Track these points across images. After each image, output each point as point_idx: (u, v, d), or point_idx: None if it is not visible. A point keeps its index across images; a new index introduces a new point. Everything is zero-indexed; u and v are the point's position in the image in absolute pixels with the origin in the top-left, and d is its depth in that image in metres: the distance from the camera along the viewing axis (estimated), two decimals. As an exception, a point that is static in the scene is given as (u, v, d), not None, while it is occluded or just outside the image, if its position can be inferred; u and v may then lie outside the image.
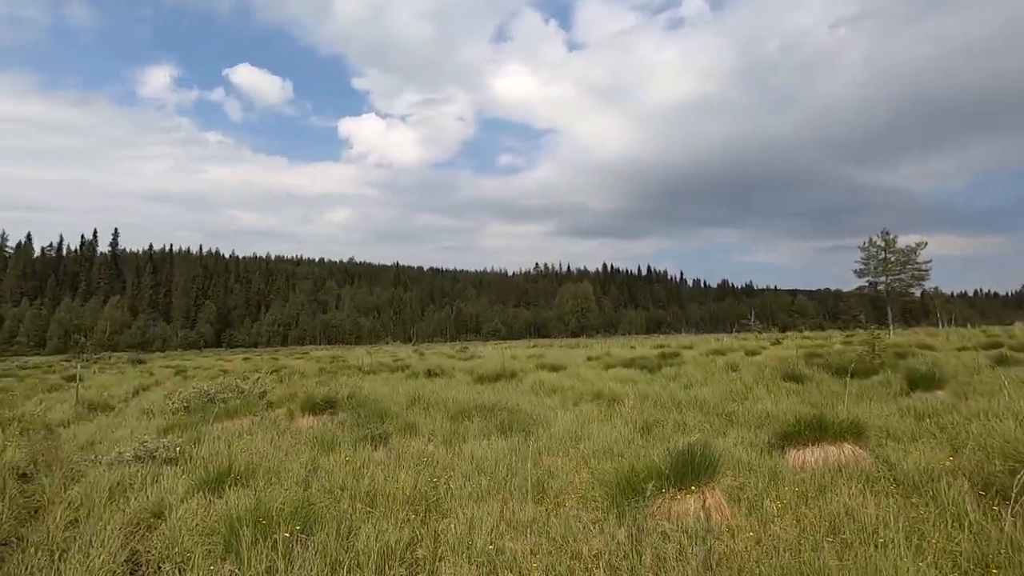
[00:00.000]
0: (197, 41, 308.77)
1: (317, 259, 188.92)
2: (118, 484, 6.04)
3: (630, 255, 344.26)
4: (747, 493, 4.76)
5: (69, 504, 5.51)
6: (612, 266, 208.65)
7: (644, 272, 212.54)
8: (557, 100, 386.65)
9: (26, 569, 3.94)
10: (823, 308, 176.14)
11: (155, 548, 4.26)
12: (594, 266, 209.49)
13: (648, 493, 3.99)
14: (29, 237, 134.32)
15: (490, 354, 34.53)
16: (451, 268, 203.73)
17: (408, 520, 4.30)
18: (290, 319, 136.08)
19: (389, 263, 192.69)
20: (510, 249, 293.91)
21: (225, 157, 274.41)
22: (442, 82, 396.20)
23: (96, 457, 7.67)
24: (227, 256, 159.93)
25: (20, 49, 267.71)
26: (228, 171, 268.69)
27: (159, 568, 3.90)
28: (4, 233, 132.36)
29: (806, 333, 51.15)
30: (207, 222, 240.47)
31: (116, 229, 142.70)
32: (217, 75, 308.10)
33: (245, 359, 44.26)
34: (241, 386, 11.86)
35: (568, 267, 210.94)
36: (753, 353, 22.12)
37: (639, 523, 3.73)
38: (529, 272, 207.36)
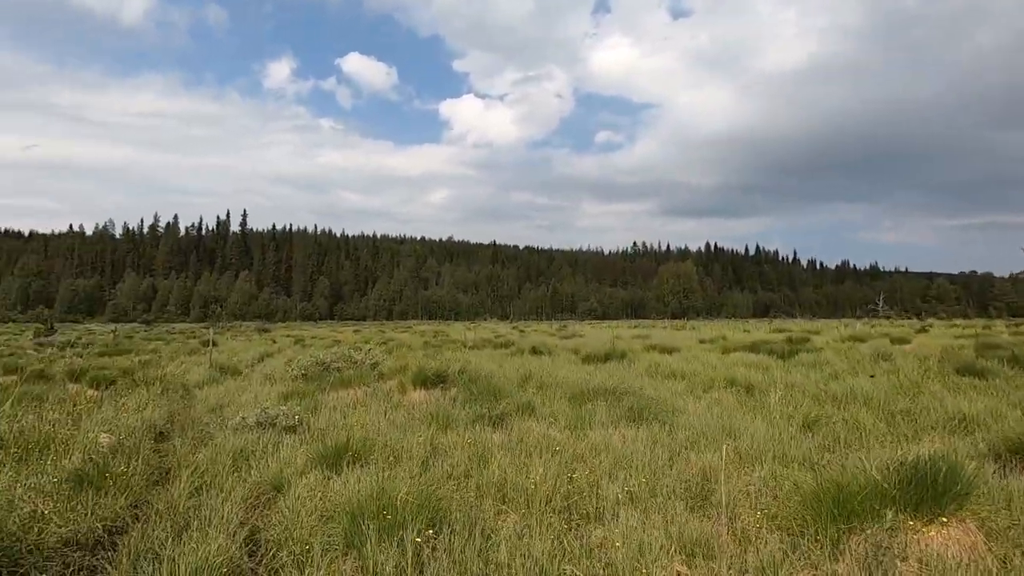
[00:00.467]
0: (312, 32, 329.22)
1: (419, 237, 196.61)
2: (241, 451, 5.94)
3: (735, 234, 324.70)
4: (995, 523, 3.51)
5: (195, 469, 5.43)
6: (716, 245, 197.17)
7: (751, 252, 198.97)
8: (659, 72, 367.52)
9: (145, 542, 3.71)
10: (967, 293, 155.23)
11: (273, 530, 3.90)
12: (696, 245, 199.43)
13: (888, 522, 2.93)
14: (176, 218, 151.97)
15: (591, 333, 33.54)
16: (547, 247, 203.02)
17: (551, 525, 3.58)
18: (394, 295, 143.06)
19: (486, 242, 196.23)
20: (606, 228, 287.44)
21: (337, 142, 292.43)
22: (541, 59, 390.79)
23: (223, 420, 7.80)
24: (338, 235, 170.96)
25: (169, 51, 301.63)
26: (339, 155, 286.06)
27: (275, 556, 3.49)
28: (156, 215, 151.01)
29: (955, 321, 44.73)
30: (321, 203, 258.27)
31: (245, 210, 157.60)
32: (330, 64, 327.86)
33: (355, 331, 46.76)
34: (354, 356, 11.92)
35: (668, 246, 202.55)
36: (901, 341, 19.29)
37: (876, 562, 2.71)
38: (626, 251, 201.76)
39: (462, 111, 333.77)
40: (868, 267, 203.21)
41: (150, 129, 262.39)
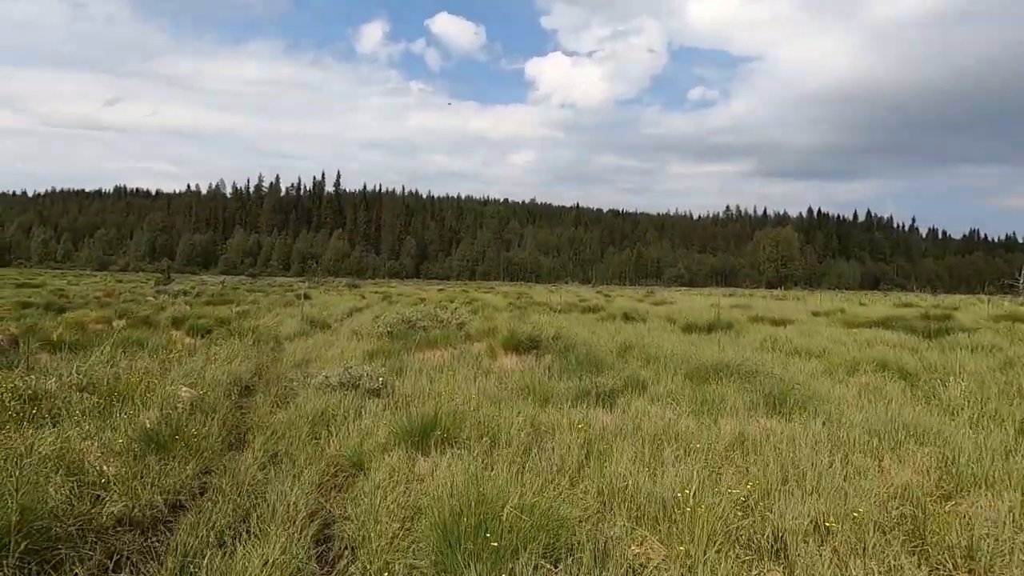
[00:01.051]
0: None
1: (502, 199, 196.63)
2: (321, 415, 5.38)
3: (842, 199, 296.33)
4: None
5: (272, 433, 4.90)
6: (819, 210, 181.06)
7: (861, 218, 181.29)
8: (762, 21, 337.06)
9: (208, 522, 3.09)
10: None
11: (348, 525, 3.17)
12: (796, 210, 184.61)
13: None
14: (277, 179, 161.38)
15: (682, 300, 31.49)
16: (631, 211, 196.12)
17: (711, 562, 2.54)
18: (477, 255, 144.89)
19: (568, 204, 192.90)
20: (695, 191, 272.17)
21: (425, 104, 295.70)
22: (631, 12, 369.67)
23: (307, 377, 7.38)
24: (424, 196, 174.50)
25: (272, 18, 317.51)
26: (427, 117, 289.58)
27: (347, 570, 2.72)
28: (260, 176, 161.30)
29: None
30: (409, 165, 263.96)
31: (338, 172, 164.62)
32: (420, 26, 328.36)
33: (439, 289, 47.40)
34: (440, 315, 11.34)
35: (764, 211, 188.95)
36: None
37: None
38: (717, 216, 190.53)
39: (548, 70, 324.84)
40: (1003, 238, 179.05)
41: (255, 96, 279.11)
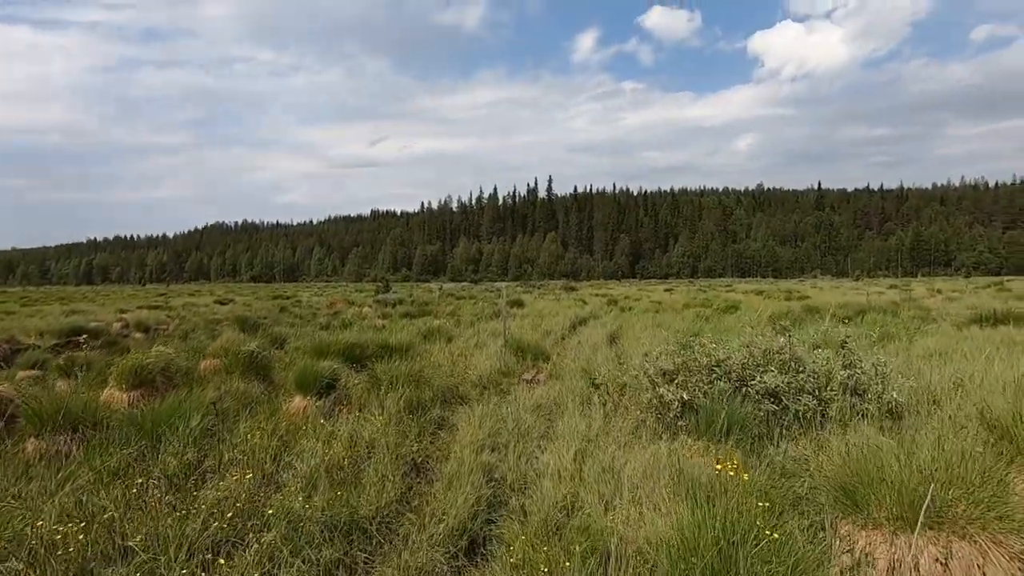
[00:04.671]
0: None
1: (721, 189, 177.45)
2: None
3: None
4: None
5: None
6: None
7: None
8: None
9: None
10: None
11: None
12: None
13: None
14: (495, 189, 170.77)
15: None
16: (891, 187, 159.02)
17: None
18: (699, 250, 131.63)
19: (802, 188, 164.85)
20: (983, 155, 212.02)
21: (638, 102, 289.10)
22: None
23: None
24: (636, 193, 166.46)
25: (498, 47, 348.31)
26: (640, 115, 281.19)
27: None
28: (481, 188, 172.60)
29: None
30: (623, 165, 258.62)
31: (550, 177, 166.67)
32: (631, 25, 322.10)
33: (667, 289, 40.17)
34: (781, 352, 4.94)
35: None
36: None
37: None
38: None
39: (775, 42, 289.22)
40: None
41: (484, 119, 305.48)
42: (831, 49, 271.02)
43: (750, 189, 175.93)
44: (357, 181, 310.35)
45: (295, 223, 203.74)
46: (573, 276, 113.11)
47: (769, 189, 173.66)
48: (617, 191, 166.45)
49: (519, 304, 20.76)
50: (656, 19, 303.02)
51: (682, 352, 5.46)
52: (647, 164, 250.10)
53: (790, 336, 4.74)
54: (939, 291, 23.51)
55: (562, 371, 7.73)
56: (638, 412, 4.67)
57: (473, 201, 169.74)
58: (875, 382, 4.26)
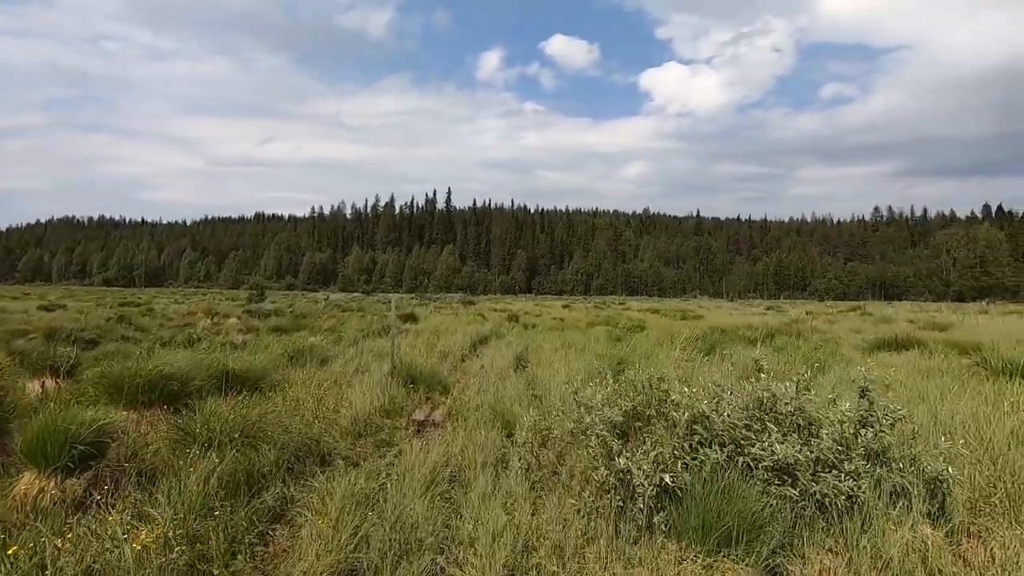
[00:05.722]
0: (522, 21, 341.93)
1: (612, 211, 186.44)
2: None
3: (1017, 195, 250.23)
4: None
5: None
6: (1001, 208, 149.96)
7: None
8: (911, 6, 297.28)
9: None
10: None
11: None
12: (963, 211, 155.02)
13: None
14: (392, 198, 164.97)
15: (973, 322, 21.22)
16: (756, 218, 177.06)
17: None
18: (592, 268, 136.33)
19: (683, 215, 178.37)
20: (828, 196, 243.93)
21: (539, 123, 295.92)
22: (756, 13, 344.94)
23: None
24: (533, 210, 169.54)
25: (405, 55, 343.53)
26: (540, 136, 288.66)
27: None
28: (378, 196, 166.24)
29: None
30: (523, 183, 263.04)
31: (449, 189, 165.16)
32: (535, 49, 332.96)
33: (565, 306, 39.97)
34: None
35: (924, 212, 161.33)
36: None
37: None
38: (861, 219, 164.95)
39: (663, 80, 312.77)
40: None
41: (385, 127, 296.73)
42: (710, 92, 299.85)
43: (638, 213, 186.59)
44: (242, 181, 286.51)
45: (165, 222, 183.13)
46: (470, 290, 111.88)
47: (655, 214, 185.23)
48: (516, 207, 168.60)
49: (413, 319, 18.76)
50: (558, 47, 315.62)
51: (626, 389, 4.02)
52: (545, 183, 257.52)
53: (799, 383, 3.45)
54: (813, 314, 24.98)
55: (464, 408, 6.05)
56: (586, 494, 3.13)
57: (369, 209, 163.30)
58: (904, 443, 3.11)
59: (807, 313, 26.73)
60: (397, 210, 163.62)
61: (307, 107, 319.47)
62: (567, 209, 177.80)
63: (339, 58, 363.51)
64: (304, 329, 13.89)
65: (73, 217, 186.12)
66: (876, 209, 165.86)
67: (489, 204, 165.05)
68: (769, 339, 11.55)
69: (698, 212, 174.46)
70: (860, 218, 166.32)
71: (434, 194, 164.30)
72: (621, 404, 3.76)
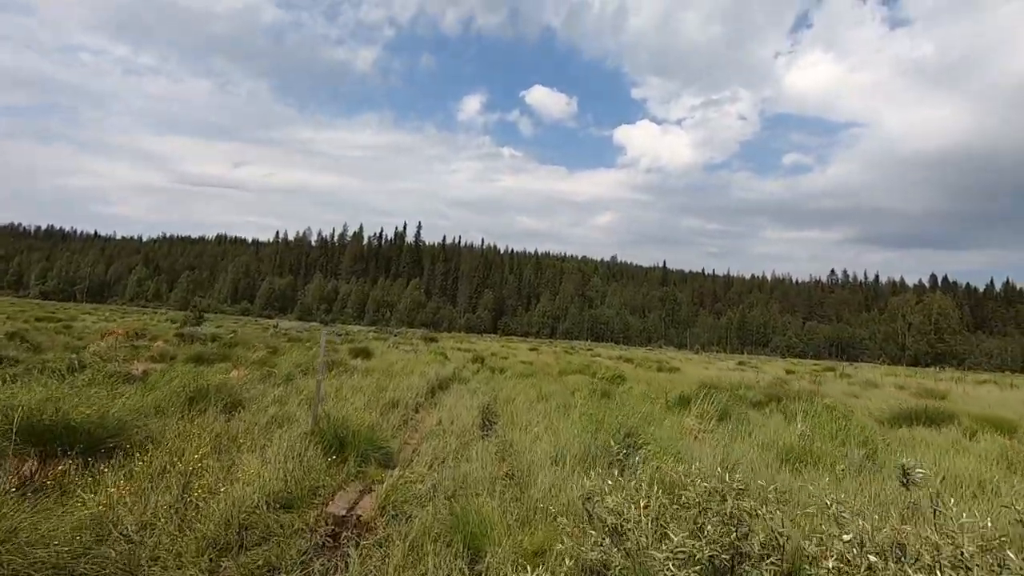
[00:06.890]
0: (505, 70, 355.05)
1: (580, 257, 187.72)
2: None
3: (957, 269, 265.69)
4: None
5: None
6: (945, 278, 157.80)
7: (994, 288, 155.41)
8: (865, 88, 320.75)
9: None
10: None
11: None
12: (912, 279, 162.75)
13: None
14: (361, 228, 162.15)
15: (887, 383, 20.32)
16: (720, 272, 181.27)
17: None
18: (559, 312, 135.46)
19: (649, 265, 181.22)
20: (785, 257, 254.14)
21: (515, 168, 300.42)
22: (724, 82, 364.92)
23: None
24: (503, 250, 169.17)
25: (387, 93, 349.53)
26: (515, 180, 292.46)
27: None
28: (346, 225, 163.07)
29: None
30: (496, 225, 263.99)
31: (419, 223, 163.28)
32: (516, 97, 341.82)
33: (532, 348, 38.21)
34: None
35: (876, 277, 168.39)
36: None
37: None
38: (818, 281, 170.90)
39: (636, 136, 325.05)
40: None
41: (361, 160, 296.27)
42: (679, 151, 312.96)
43: (606, 260, 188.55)
44: (209, 203, 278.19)
45: (119, 237, 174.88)
46: (434, 326, 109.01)
47: (622, 262, 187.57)
48: (485, 247, 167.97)
49: (366, 354, 16.63)
50: (537, 96, 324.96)
51: (691, 513, 2.31)
52: (518, 227, 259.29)
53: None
54: (795, 373, 23.91)
55: (408, 496, 4.17)
56: None
57: (336, 237, 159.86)
58: None
59: (787, 372, 25.69)
60: (365, 240, 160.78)
61: (283, 133, 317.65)
62: (536, 252, 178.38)
63: (320, 89, 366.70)
64: (229, 360, 11.68)
65: (19, 224, 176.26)
66: (832, 272, 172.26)
67: (459, 241, 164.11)
68: (776, 403, 10.03)
69: (664, 263, 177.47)
70: (817, 279, 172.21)
71: (404, 227, 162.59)
72: (689, 547, 2.03)
